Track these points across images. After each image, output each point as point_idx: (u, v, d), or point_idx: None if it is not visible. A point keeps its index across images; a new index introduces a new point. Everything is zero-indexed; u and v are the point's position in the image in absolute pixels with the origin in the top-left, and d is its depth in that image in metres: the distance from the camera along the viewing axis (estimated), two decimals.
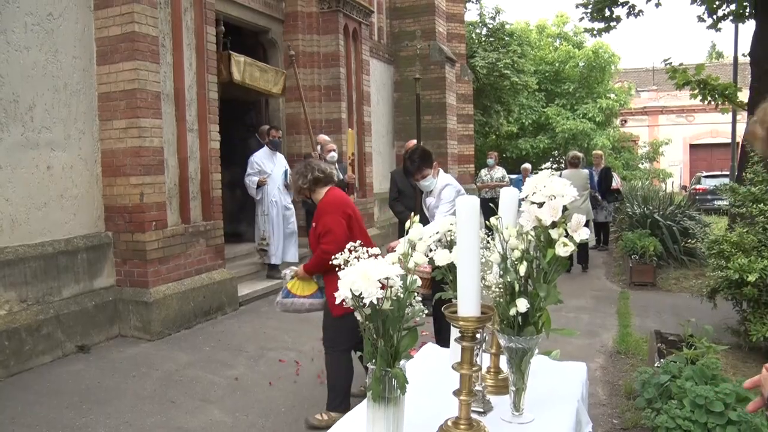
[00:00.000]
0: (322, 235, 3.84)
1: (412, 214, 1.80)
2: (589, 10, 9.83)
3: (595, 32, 10.36)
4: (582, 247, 9.77)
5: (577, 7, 10.17)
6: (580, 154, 10.10)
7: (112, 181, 5.94)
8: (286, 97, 9.37)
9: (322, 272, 3.92)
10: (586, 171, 9.95)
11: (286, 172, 7.98)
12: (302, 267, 4.02)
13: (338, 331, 3.86)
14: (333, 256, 3.54)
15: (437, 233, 1.87)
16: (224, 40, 7.82)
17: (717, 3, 9.00)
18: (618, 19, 9.86)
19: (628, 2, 9.70)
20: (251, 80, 8.31)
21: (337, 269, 3.13)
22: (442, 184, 4.49)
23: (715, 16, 9.28)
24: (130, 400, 4.36)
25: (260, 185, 7.89)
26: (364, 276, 1.44)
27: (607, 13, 9.82)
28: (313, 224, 3.92)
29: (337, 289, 3.67)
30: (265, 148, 8.02)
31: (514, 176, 16.10)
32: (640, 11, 9.73)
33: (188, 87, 6.39)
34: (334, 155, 7.90)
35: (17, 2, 5.16)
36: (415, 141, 7.98)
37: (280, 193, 7.99)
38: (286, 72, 9.00)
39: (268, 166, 7.94)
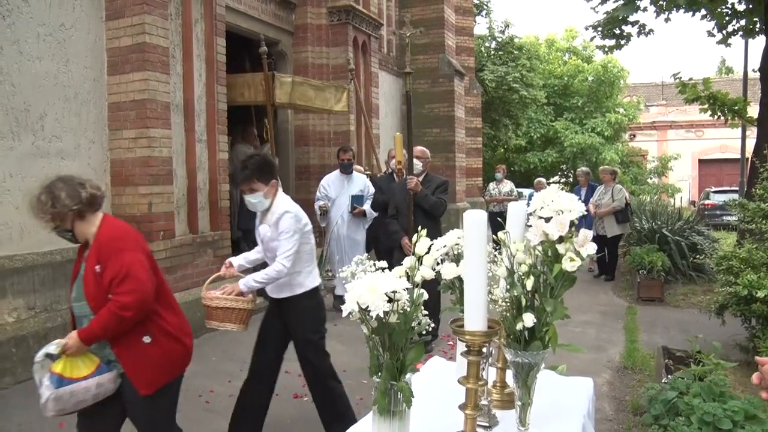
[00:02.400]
0: (115, 282, 2.59)
1: (422, 229, 1.78)
2: (600, 31, 9.84)
3: (606, 49, 10.37)
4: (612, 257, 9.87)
5: (587, 28, 10.19)
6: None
7: (121, 191, 5.98)
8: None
9: (114, 337, 2.65)
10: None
11: (353, 197, 7.16)
12: (76, 335, 2.61)
13: (154, 415, 2.84)
14: (136, 313, 2.57)
15: (445, 246, 1.87)
16: (269, 60, 7.44)
17: (727, 18, 8.99)
18: (628, 38, 9.86)
19: (638, 21, 9.70)
20: (304, 101, 7.87)
21: (140, 329, 2.58)
22: (280, 210, 3.47)
23: (724, 32, 9.27)
24: None
25: (322, 212, 7.24)
26: (371, 289, 1.44)
27: (617, 31, 9.82)
28: (97, 268, 2.62)
29: (143, 361, 2.68)
30: (338, 171, 7.33)
31: (526, 190, 16.02)
32: (651, 30, 9.73)
33: (198, 97, 6.44)
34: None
35: (30, 13, 5.22)
36: (420, 147, 7.65)
37: (343, 222, 7.19)
38: (348, 87, 8.58)
39: (334, 191, 7.22)
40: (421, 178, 5.82)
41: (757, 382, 1.64)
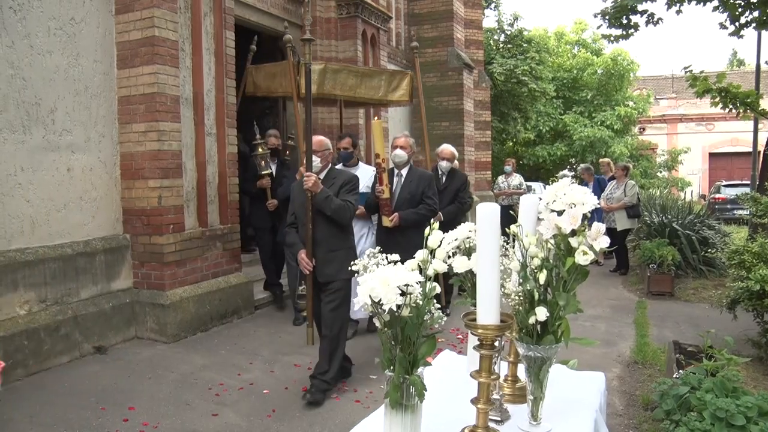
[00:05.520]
0: None
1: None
2: (607, 19, 9.74)
3: (612, 38, 10.27)
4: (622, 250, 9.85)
5: (595, 16, 10.09)
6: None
7: (131, 184, 5.99)
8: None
9: None
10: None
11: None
12: None
13: None
14: None
15: (456, 240, 1.86)
16: (289, 47, 6.79)
17: (739, 10, 8.89)
18: (636, 27, 9.77)
19: (646, 10, 9.60)
20: (342, 90, 6.94)
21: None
22: None
23: (737, 23, 9.16)
24: (145, 402, 4.38)
25: None
26: (384, 282, 1.43)
27: (625, 20, 9.72)
28: None
29: None
30: (340, 165, 5.99)
31: (535, 184, 15.98)
32: (659, 19, 9.61)
33: (207, 91, 6.44)
34: (399, 153, 5.69)
35: (41, 7, 5.23)
36: (448, 146, 7.02)
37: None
38: (411, 72, 7.46)
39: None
40: (322, 176, 4.57)
41: None
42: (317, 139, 4.70)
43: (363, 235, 5.92)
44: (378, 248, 1.65)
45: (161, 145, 5.85)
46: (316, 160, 4.59)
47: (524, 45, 20.56)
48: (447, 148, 6.95)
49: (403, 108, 13.00)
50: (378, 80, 7.29)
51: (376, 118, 5.23)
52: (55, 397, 4.47)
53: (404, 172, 5.67)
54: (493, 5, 21.36)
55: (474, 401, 1.61)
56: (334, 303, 4.44)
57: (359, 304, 1.49)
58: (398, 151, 5.64)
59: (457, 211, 6.68)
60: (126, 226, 6.09)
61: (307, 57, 4.87)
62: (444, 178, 6.83)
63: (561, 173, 13.08)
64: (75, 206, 5.60)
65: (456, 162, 7.13)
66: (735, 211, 16.79)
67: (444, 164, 6.82)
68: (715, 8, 8.95)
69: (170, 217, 5.98)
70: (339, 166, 5.92)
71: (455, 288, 6.12)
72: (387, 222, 5.48)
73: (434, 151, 7.15)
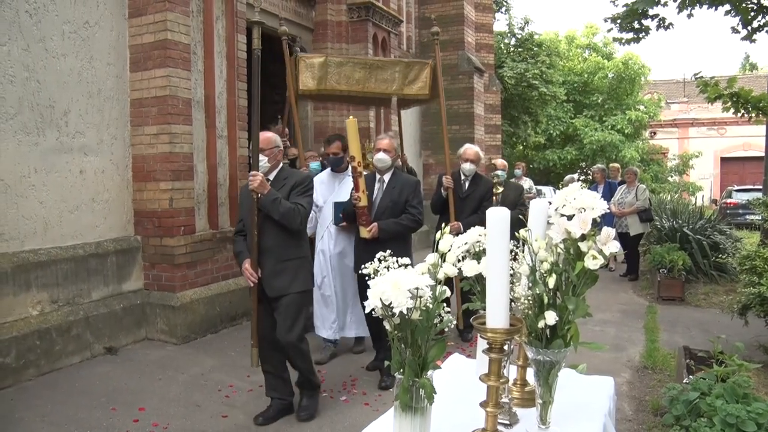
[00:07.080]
0: None
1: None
2: (618, 24, 9.71)
3: (623, 42, 10.24)
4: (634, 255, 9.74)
5: (605, 21, 10.07)
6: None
7: (142, 186, 6.04)
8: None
9: None
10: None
11: (335, 205, 5.34)
12: None
13: None
14: None
15: (466, 243, 1.87)
16: (286, 40, 6.20)
17: (752, 14, 8.85)
18: (647, 31, 9.73)
19: (657, 15, 9.57)
20: (348, 85, 6.30)
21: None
22: None
23: (749, 27, 9.12)
24: (155, 403, 4.41)
25: None
26: (395, 285, 1.44)
27: (636, 25, 9.69)
28: None
29: None
30: (329, 169, 5.70)
31: (545, 188, 15.93)
32: (670, 24, 9.59)
33: (218, 94, 6.48)
34: (382, 157, 4.95)
35: (56, 11, 5.29)
36: (472, 146, 6.27)
37: (330, 236, 5.43)
38: (431, 63, 6.46)
39: (322, 196, 5.46)
40: (271, 176, 4.09)
41: None
42: (264, 136, 4.10)
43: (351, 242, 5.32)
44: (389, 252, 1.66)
45: (173, 147, 5.89)
46: (263, 159, 4.01)
47: (535, 49, 20.51)
48: (471, 148, 6.15)
49: (413, 112, 13.00)
50: (391, 72, 6.41)
51: (351, 117, 4.78)
52: (67, 396, 4.51)
53: (387, 177, 5.00)
54: (503, 9, 21.34)
55: (483, 404, 1.62)
56: (289, 319, 4.00)
57: (369, 308, 1.50)
58: (381, 155, 4.91)
59: (479, 223, 5.60)
60: (137, 228, 6.13)
61: (255, 42, 4.12)
62: (467, 184, 6.03)
63: (568, 177, 13.01)
64: (87, 208, 5.64)
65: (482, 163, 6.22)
66: (747, 216, 16.66)
67: (467, 167, 5.97)
68: (727, 12, 8.91)
69: (181, 219, 6.02)
70: (326, 172, 5.70)
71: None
72: (365, 233, 4.84)
73: (455, 153, 6.26)
